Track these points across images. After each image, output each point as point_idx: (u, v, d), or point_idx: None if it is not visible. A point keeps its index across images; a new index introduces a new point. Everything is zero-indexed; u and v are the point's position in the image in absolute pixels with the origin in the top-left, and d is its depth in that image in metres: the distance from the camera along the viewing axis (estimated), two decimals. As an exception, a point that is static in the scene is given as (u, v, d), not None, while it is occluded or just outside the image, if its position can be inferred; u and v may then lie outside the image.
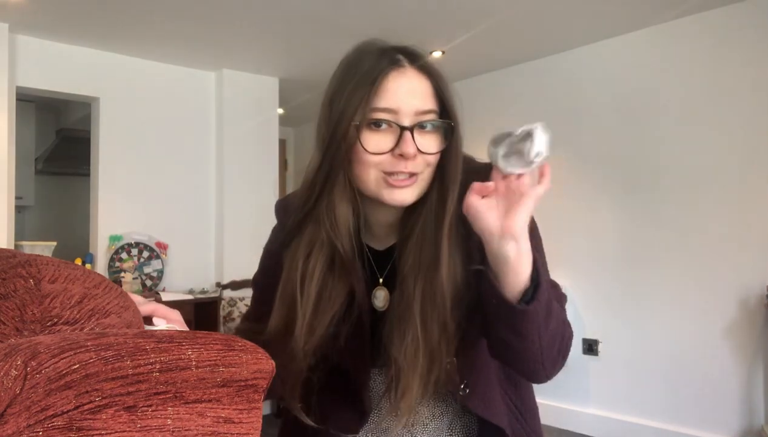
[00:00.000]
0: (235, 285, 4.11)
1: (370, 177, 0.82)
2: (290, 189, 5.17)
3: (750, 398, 3.10)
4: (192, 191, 4.36)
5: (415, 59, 0.83)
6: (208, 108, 4.45)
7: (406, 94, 0.80)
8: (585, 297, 3.81)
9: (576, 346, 3.81)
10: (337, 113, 0.81)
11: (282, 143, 5.99)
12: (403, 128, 0.79)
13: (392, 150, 0.80)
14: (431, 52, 3.89)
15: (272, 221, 1.03)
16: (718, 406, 3.20)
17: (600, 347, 3.72)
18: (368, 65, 0.81)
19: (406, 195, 0.82)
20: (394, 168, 0.81)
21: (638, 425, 3.49)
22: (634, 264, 3.58)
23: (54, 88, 3.82)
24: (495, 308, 0.77)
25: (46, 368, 0.40)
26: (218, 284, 4.28)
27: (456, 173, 0.85)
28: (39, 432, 0.39)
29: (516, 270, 0.74)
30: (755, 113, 3.13)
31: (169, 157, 4.24)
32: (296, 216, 0.88)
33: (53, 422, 0.40)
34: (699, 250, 3.30)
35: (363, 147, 0.80)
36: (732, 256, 3.17)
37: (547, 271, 0.89)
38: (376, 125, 0.81)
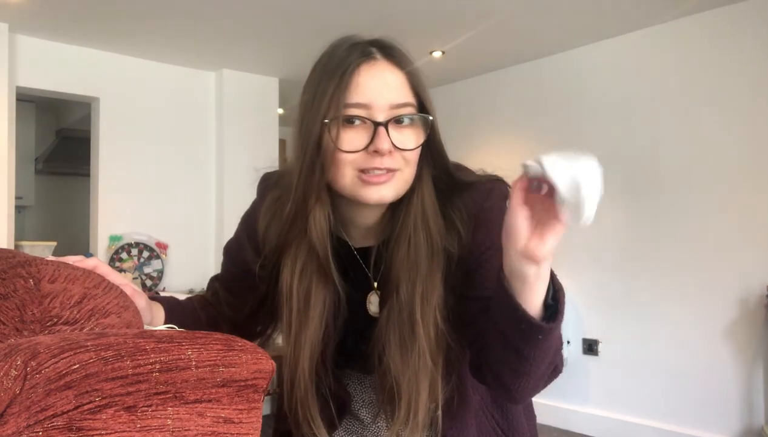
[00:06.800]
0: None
1: (346, 177, 0.77)
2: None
3: (750, 398, 3.10)
4: (192, 191, 4.35)
5: (388, 51, 0.79)
6: (208, 108, 4.45)
7: (378, 87, 0.76)
8: (585, 297, 3.80)
9: (576, 346, 3.81)
10: (309, 112, 0.77)
11: (282, 143, 5.98)
12: (376, 124, 0.75)
13: (366, 147, 0.75)
14: (431, 52, 3.89)
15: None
16: (718, 406, 3.20)
17: (600, 347, 3.72)
18: (338, 59, 0.77)
19: (383, 192, 0.77)
20: (369, 164, 0.76)
21: (638, 425, 3.49)
22: (634, 264, 3.58)
23: (54, 88, 3.81)
24: (511, 322, 0.71)
25: (46, 368, 0.40)
26: (218, 284, 4.27)
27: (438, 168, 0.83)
28: (39, 432, 0.39)
29: (533, 289, 0.70)
30: (756, 112, 3.13)
31: (169, 157, 4.24)
32: (283, 227, 0.85)
33: (53, 422, 0.40)
34: (699, 250, 3.30)
35: (335, 145, 0.75)
36: (732, 256, 3.17)
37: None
38: (349, 121, 0.76)
